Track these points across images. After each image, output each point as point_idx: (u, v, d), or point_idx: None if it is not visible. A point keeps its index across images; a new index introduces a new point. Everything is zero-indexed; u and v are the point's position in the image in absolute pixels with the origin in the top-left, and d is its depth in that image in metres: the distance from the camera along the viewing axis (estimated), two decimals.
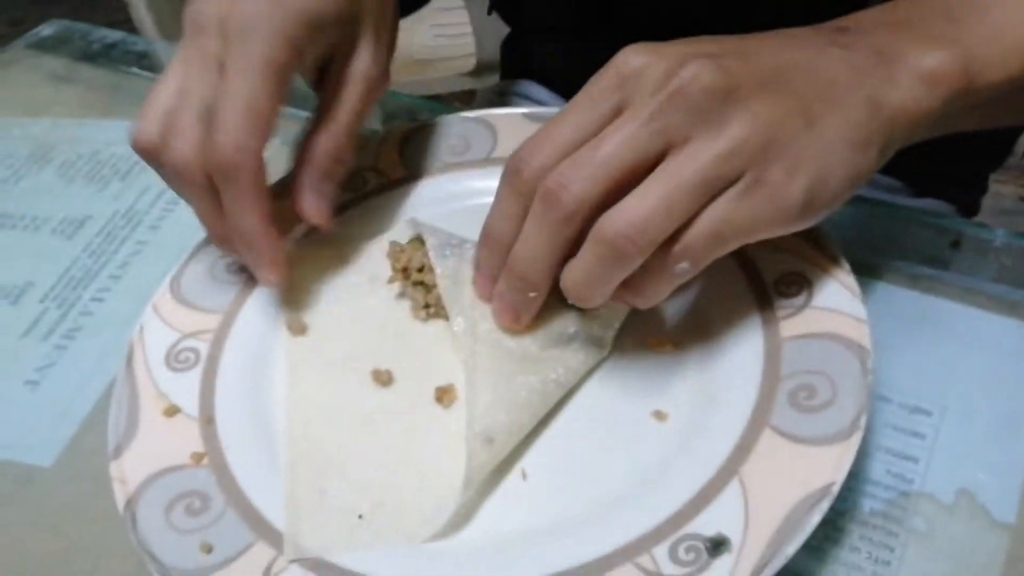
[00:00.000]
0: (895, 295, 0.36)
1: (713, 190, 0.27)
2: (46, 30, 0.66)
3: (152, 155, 0.33)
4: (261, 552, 0.27)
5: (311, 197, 0.35)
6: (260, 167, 0.32)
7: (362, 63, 0.36)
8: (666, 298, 0.29)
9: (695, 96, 0.26)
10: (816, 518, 0.25)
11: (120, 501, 0.29)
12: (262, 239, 0.33)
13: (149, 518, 0.29)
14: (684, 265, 0.27)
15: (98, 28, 0.66)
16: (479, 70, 0.97)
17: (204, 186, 0.33)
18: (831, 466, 0.26)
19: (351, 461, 0.30)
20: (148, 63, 0.62)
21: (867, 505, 0.30)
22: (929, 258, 0.38)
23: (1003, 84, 0.30)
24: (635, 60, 0.28)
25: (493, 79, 0.80)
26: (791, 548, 0.24)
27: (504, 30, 0.72)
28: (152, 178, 0.35)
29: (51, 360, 0.41)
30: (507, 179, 0.30)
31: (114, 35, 0.65)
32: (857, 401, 0.27)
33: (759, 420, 0.28)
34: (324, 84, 0.36)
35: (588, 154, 0.27)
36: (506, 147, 0.41)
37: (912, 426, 0.32)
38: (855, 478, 0.30)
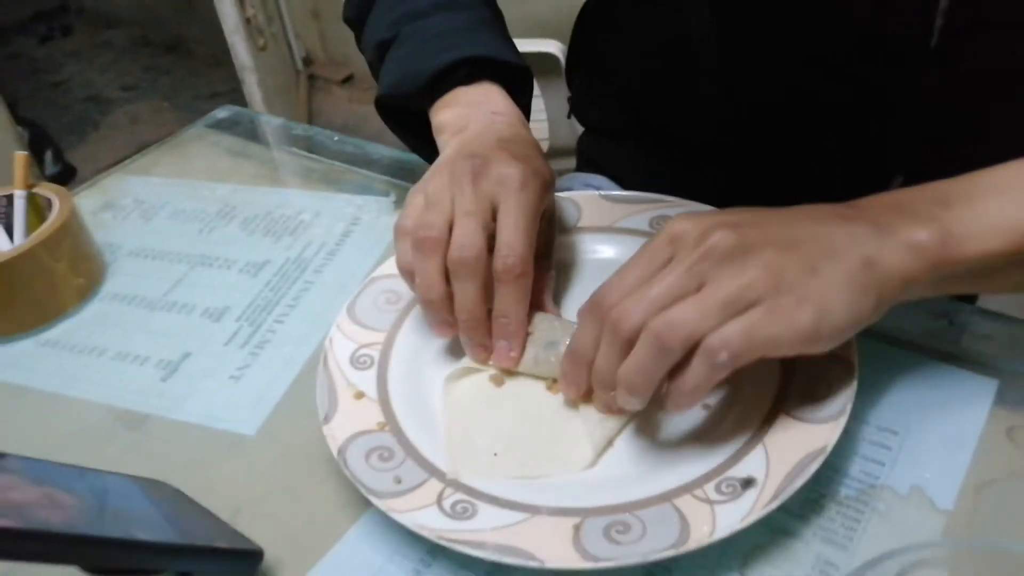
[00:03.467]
0: (880, 348, 0.49)
1: (736, 309, 0.35)
2: (221, 113, 0.83)
3: (434, 245, 0.44)
4: (434, 485, 0.41)
5: (552, 307, 0.50)
6: (531, 275, 0.45)
7: (555, 217, 0.52)
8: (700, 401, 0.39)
9: (721, 252, 0.36)
10: (814, 467, 0.37)
11: (334, 449, 0.43)
12: (521, 329, 0.45)
13: (356, 460, 0.42)
14: (723, 357, 0.35)
15: (262, 114, 0.83)
16: (551, 154, 1.08)
17: (483, 280, 0.44)
18: (825, 436, 0.39)
19: (490, 415, 0.44)
20: (304, 144, 0.77)
21: (843, 492, 0.41)
22: (924, 331, 0.49)
23: (984, 257, 0.37)
24: (680, 226, 0.38)
25: (561, 163, 0.92)
26: (799, 483, 0.37)
27: (578, 127, 0.86)
28: (312, 235, 0.52)
29: (248, 363, 0.54)
30: (590, 312, 0.40)
31: (275, 120, 0.82)
32: (846, 397, 0.40)
33: (778, 408, 0.41)
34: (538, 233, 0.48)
35: (644, 292, 0.37)
36: (588, 218, 0.56)
37: (882, 440, 0.43)
38: (836, 471, 0.42)
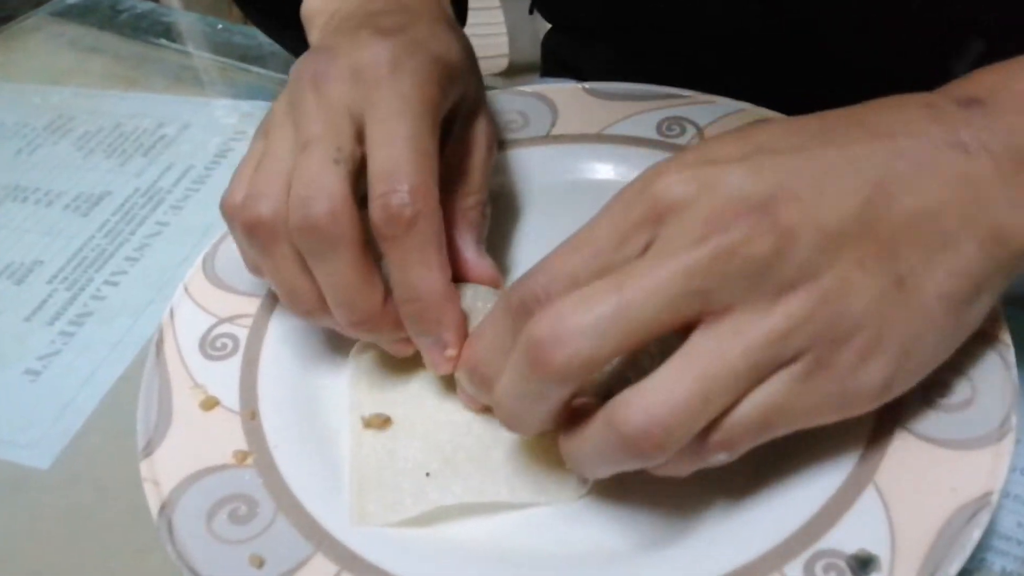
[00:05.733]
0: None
1: (762, 376, 0.21)
2: None
3: (268, 231, 0.27)
4: (321, 566, 0.24)
5: (481, 262, 0.30)
6: (440, 216, 0.26)
7: (485, 123, 0.32)
8: None
9: (744, 263, 0.21)
10: (976, 534, 0.22)
11: (153, 506, 0.25)
12: (445, 303, 0.27)
13: (188, 526, 0.25)
14: (721, 456, 0.22)
15: None
16: (511, 71, 0.95)
17: (355, 248, 0.26)
18: (984, 472, 0.23)
19: (420, 423, 0.28)
20: (177, 35, 0.60)
21: (998, 564, 0.26)
22: None
23: None
24: (676, 190, 0.22)
25: (525, 80, 0.77)
26: (953, 568, 0.21)
27: (541, 30, 0.70)
28: (176, 155, 0.32)
29: (56, 348, 0.37)
30: (510, 311, 0.24)
31: (143, 5, 0.64)
32: (1002, 399, 0.24)
33: (889, 421, 0.25)
34: (450, 144, 0.31)
35: (602, 296, 0.21)
36: (567, 123, 0.39)
37: None
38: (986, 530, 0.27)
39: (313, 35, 0.34)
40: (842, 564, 0.22)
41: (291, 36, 0.40)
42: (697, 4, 0.48)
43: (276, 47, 0.56)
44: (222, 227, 0.35)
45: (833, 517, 0.23)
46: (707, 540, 0.24)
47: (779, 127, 0.24)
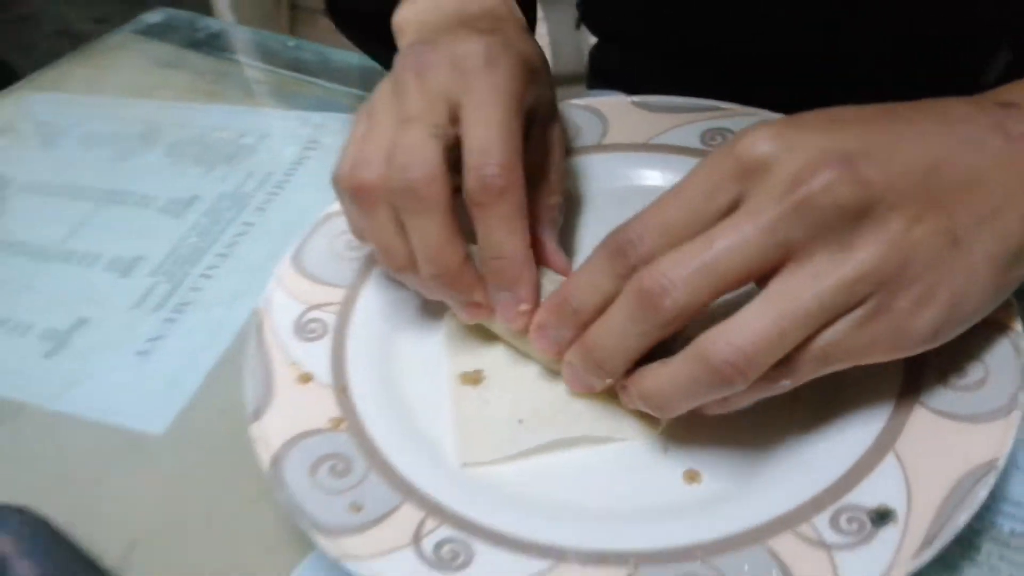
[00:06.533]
0: None
1: (831, 317, 0.25)
2: (152, 18, 0.68)
3: (371, 193, 0.31)
4: (409, 513, 0.28)
5: (557, 251, 0.34)
6: (524, 191, 0.30)
7: (559, 128, 0.36)
8: None
9: (825, 211, 0.24)
10: (983, 492, 0.25)
11: (264, 460, 0.29)
12: (525, 264, 0.31)
13: (295, 478, 0.29)
14: (785, 383, 0.26)
15: (202, 17, 0.68)
16: (555, 82, 0.97)
17: (444, 209, 0.30)
18: (994, 441, 0.26)
19: (509, 379, 0.33)
20: (250, 52, 0.64)
21: (1007, 526, 0.29)
22: None
23: None
24: (761, 148, 0.25)
25: (569, 90, 0.79)
26: (962, 518, 0.24)
27: (584, 43, 0.73)
28: (256, 163, 0.36)
29: (161, 332, 0.41)
30: (608, 255, 0.27)
31: (217, 24, 0.67)
32: (1012, 380, 0.27)
33: (909, 399, 0.28)
34: (529, 144, 0.34)
35: (697, 252, 0.25)
36: (616, 133, 0.42)
37: None
38: (991, 496, 0.28)
39: (403, 42, 0.38)
40: (863, 517, 0.25)
41: (378, 46, 0.45)
42: (742, 21, 0.51)
43: (343, 63, 0.61)
44: (302, 227, 0.39)
45: (857, 478, 0.27)
46: (750, 493, 0.28)
47: (851, 108, 0.27)
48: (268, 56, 0.63)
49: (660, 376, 0.26)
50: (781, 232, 0.24)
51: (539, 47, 0.35)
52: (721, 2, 0.52)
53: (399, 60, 0.33)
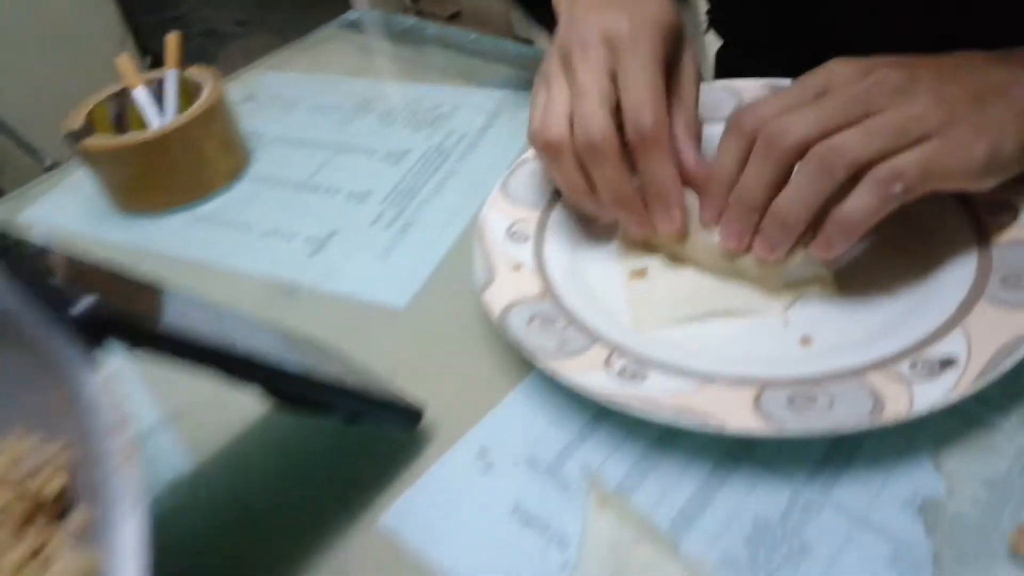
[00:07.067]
0: None
1: (906, 138, 0.35)
2: (352, 15, 0.83)
3: (558, 148, 0.42)
4: (599, 350, 0.39)
5: (699, 163, 0.43)
6: (667, 137, 0.41)
7: (693, 65, 0.47)
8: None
9: (888, 85, 0.36)
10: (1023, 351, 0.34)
11: (494, 314, 0.42)
12: (675, 187, 0.42)
13: (517, 327, 0.41)
14: (898, 188, 0.35)
15: (395, 16, 0.82)
16: None
17: (618, 158, 0.40)
18: None
19: (667, 274, 0.44)
20: (439, 41, 0.77)
21: None
22: None
23: None
24: (839, 65, 0.38)
25: None
26: (1007, 363, 0.34)
27: (708, 46, 0.81)
28: (453, 127, 0.51)
29: (394, 243, 0.54)
30: (731, 127, 0.39)
31: (407, 21, 0.81)
32: None
33: (975, 295, 0.38)
34: (674, 78, 0.45)
35: (803, 110, 0.36)
36: None
37: None
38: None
39: (560, 11, 0.48)
40: (933, 362, 0.36)
41: (542, 11, 0.56)
42: (865, 27, 0.57)
43: (516, 51, 0.72)
44: (496, 174, 0.51)
45: (933, 341, 0.36)
46: (850, 352, 0.38)
47: (905, 56, 0.40)
48: (455, 46, 0.75)
49: (787, 190, 0.37)
50: (861, 98, 0.36)
51: (675, 14, 0.44)
52: (844, 8, 0.60)
53: (562, 34, 0.45)
